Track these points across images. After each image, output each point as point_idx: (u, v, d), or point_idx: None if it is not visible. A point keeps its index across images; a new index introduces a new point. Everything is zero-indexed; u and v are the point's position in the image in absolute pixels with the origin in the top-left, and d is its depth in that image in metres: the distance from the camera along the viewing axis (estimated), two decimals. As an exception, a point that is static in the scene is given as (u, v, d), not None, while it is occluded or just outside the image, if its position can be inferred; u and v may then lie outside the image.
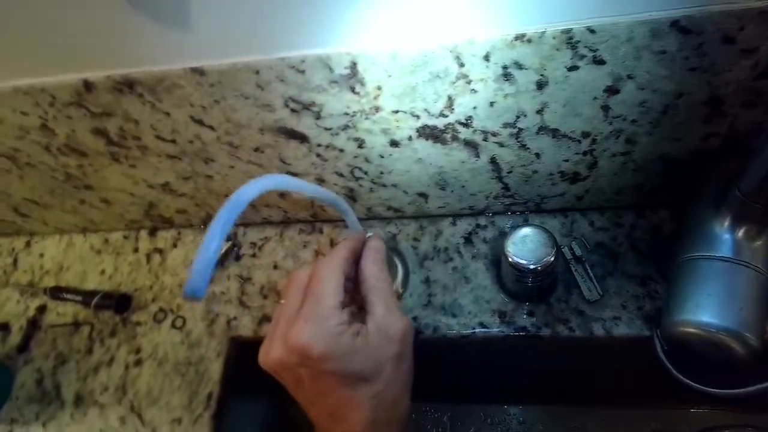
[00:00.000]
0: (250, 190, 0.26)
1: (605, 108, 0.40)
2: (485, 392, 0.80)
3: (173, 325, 0.56)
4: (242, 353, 0.56)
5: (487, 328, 0.50)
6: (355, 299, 0.37)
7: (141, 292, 0.59)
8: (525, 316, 0.50)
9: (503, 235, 0.55)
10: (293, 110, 0.42)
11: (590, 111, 0.40)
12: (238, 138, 0.46)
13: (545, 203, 0.54)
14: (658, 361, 0.39)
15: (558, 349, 0.52)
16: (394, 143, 0.45)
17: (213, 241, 0.23)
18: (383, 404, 0.33)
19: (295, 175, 0.51)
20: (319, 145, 0.46)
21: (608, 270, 0.50)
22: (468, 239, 0.55)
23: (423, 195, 0.53)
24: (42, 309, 0.61)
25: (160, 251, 0.62)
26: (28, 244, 0.66)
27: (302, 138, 0.45)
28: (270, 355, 0.33)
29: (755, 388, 0.38)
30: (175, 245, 0.62)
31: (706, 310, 0.36)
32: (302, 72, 0.39)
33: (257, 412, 0.64)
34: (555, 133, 0.43)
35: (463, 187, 0.51)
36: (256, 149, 0.48)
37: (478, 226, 0.56)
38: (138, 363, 0.54)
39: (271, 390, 0.77)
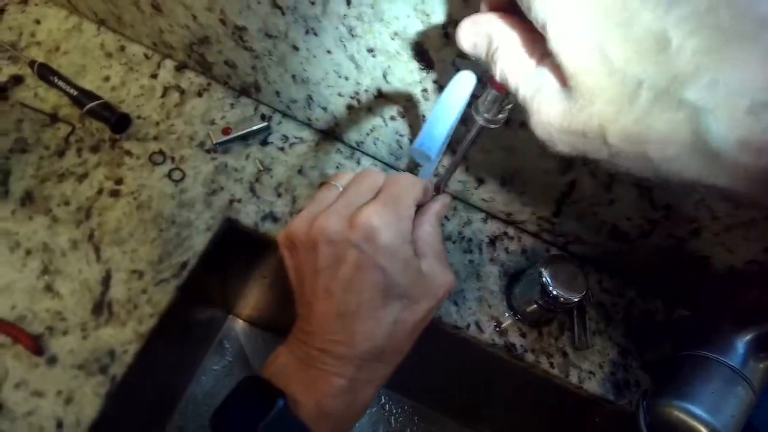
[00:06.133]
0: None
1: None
2: (404, 380, 0.81)
3: (169, 176, 0.49)
4: (231, 239, 0.51)
5: (481, 329, 0.50)
6: None
7: (144, 123, 0.51)
8: (518, 335, 0.50)
9: (524, 252, 0.55)
10: (447, 35, 0.38)
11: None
12: (366, 27, 0.41)
13: (573, 245, 0.55)
14: (637, 429, 0.41)
15: (518, 375, 0.53)
16: (506, 120, 0.43)
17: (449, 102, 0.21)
18: (397, 338, 0.30)
19: (377, 98, 0.48)
20: (435, 82, 0.43)
21: (599, 328, 0.53)
22: (492, 242, 0.55)
23: (480, 180, 0.52)
24: (18, 80, 0.50)
25: (181, 91, 0.54)
26: (25, 1, 0.54)
27: (428, 63, 0.42)
28: (322, 225, 0.29)
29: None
30: (200, 94, 0.54)
31: (704, 405, 0.39)
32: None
33: (214, 309, 0.59)
34: (645, 191, 0.44)
35: (523, 193, 0.51)
36: (371, 50, 0.43)
37: (505, 234, 0.56)
38: (115, 194, 0.47)
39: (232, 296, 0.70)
